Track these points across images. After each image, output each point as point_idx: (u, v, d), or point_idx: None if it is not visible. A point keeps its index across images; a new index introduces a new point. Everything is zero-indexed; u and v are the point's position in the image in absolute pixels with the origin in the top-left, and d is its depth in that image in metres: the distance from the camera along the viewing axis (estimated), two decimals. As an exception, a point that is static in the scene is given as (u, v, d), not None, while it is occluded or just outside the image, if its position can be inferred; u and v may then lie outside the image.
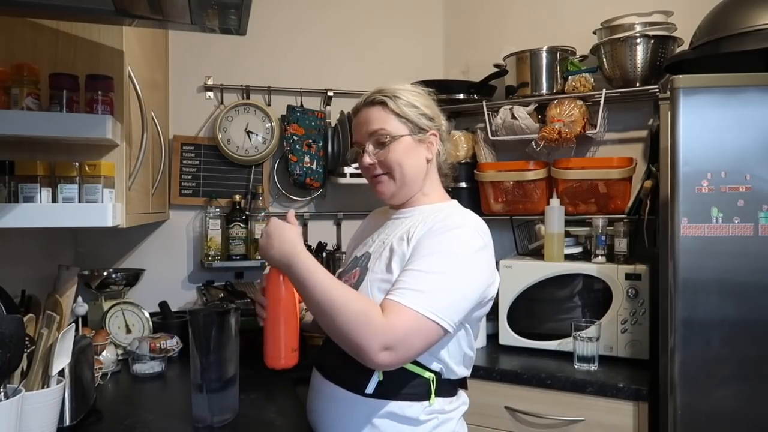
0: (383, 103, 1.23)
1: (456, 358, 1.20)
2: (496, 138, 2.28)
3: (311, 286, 1.08)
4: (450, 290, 1.09)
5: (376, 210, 1.48)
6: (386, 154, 1.23)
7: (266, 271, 1.21)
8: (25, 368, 1.18)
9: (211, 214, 2.32)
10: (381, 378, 1.14)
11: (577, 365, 1.85)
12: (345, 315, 1.04)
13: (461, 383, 1.27)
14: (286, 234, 1.15)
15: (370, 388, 1.15)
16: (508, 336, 2.05)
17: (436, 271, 1.09)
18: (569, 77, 2.16)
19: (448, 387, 1.20)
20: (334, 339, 1.09)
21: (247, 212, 2.36)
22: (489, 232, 1.21)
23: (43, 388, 1.18)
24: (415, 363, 1.15)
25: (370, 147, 1.25)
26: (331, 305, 1.06)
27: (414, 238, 1.17)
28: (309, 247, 2.41)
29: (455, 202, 1.32)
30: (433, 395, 1.16)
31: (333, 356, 1.17)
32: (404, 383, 1.15)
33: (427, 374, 1.16)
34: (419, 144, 1.25)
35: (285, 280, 1.17)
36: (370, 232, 1.36)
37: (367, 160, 1.25)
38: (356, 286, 1.19)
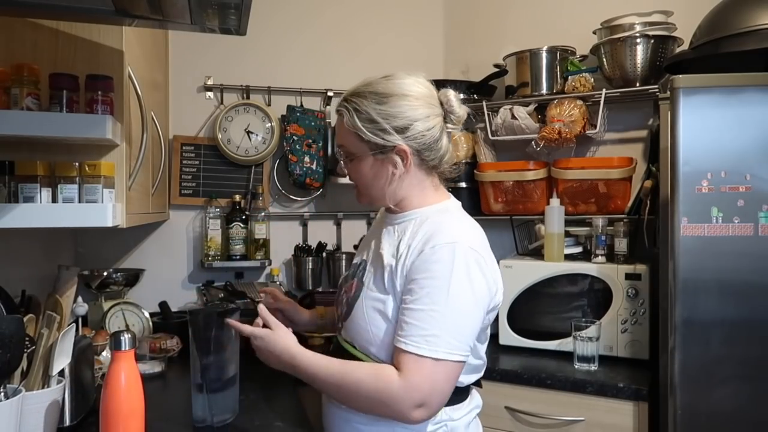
0: (341, 115, 1.16)
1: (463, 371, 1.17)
2: (496, 138, 2.28)
3: (321, 382, 1.12)
4: (460, 322, 1.06)
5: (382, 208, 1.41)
6: (350, 170, 1.20)
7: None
8: (25, 368, 1.18)
9: (211, 214, 2.32)
10: None
11: (577, 365, 1.85)
12: (364, 399, 1.07)
13: (475, 383, 1.25)
14: (278, 344, 1.16)
15: None
16: (508, 336, 2.05)
17: (441, 308, 1.05)
18: (569, 77, 2.16)
19: (453, 395, 1.16)
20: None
21: (247, 212, 2.36)
22: (482, 237, 1.16)
23: (43, 388, 1.17)
24: None
25: (341, 158, 1.22)
26: (347, 395, 1.10)
27: (405, 259, 1.11)
28: (309, 247, 2.42)
29: (448, 204, 1.22)
30: None
31: None
32: None
33: None
34: (384, 162, 1.15)
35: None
36: (371, 235, 1.31)
37: (342, 171, 1.23)
38: (353, 302, 1.18)
